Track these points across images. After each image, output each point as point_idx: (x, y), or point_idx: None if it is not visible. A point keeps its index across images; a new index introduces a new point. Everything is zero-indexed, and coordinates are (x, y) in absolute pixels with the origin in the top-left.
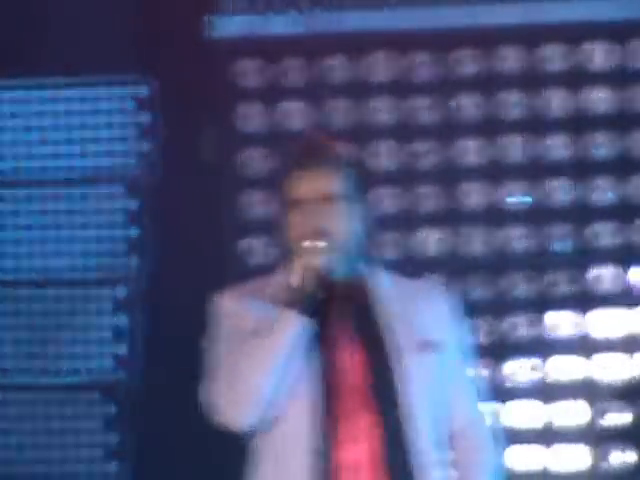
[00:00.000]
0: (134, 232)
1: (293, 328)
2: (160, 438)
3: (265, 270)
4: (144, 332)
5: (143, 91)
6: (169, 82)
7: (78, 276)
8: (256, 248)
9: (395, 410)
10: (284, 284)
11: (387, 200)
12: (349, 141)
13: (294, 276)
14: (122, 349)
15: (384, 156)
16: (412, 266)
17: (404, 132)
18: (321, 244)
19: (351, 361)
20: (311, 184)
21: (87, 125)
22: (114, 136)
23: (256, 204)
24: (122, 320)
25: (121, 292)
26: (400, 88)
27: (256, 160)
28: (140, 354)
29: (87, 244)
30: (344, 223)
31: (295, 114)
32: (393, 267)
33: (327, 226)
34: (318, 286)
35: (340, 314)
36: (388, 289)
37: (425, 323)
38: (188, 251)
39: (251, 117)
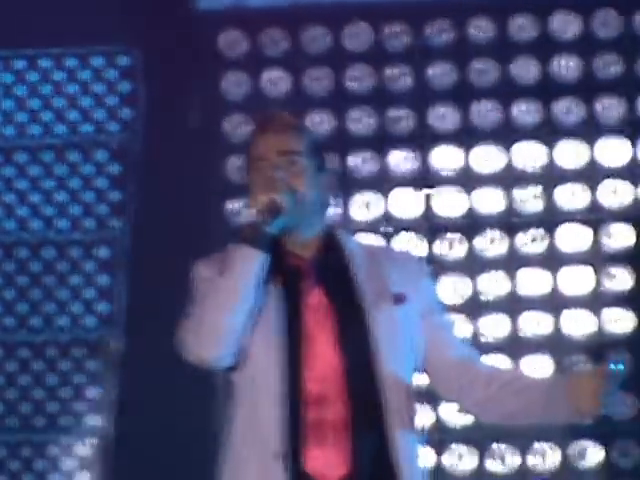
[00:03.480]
0: (116, 196)
1: (248, 262)
2: (141, 390)
3: None
4: (126, 291)
5: (125, 61)
6: (156, 52)
7: (63, 238)
8: (240, 210)
9: (361, 355)
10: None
11: (364, 163)
12: (328, 106)
13: (255, 216)
14: (105, 307)
15: (361, 122)
16: (391, 226)
17: (380, 99)
18: (282, 191)
19: (317, 308)
20: (272, 142)
21: (68, 93)
22: (97, 104)
23: (240, 168)
24: (105, 280)
25: (104, 253)
26: (376, 57)
27: (240, 126)
28: (123, 312)
29: (73, 208)
30: (304, 178)
31: (277, 82)
32: (370, 228)
33: (288, 179)
34: (273, 223)
35: (305, 264)
36: (354, 246)
37: (391, 278)
38: (172, 213)
39: (235, 85)
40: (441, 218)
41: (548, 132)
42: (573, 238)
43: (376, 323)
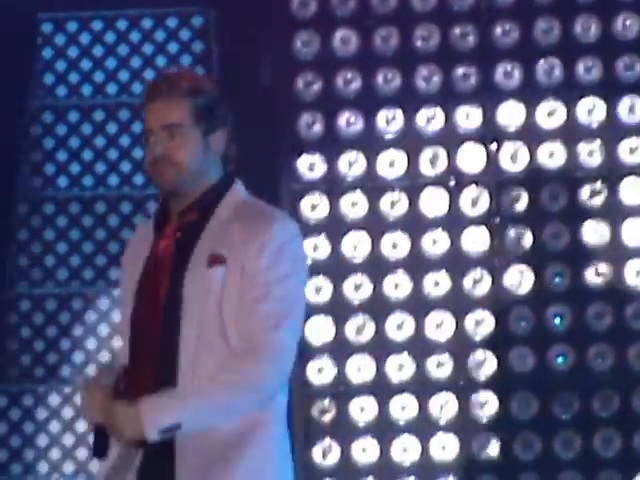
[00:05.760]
0: None
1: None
2: None
3: (319, 184)
4: None
5: (199, 21)
6: (229, 12)
7: (117, 192)
8: (310, 165)
9: (171, 313)
10: None
11: (431, 120)
12: (396, 64)
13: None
14: None
15: (428, 79)
16: (456, 180)
17: (447, 57)
18: (164, 170)
19: (163, 260)
20: (155, 115)
21: (144, 53)
22: (172, 64)
23: (310, 124)
24: None
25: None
26: (443, 16)
27: (311, 84)
28: None
29: (132, 162)
30: (186, 149)
31: (347, 41)
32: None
33: (168, 152)
34: (163, 204)
35: (172, 228)
36: (225, 209)
37: (228, 241)
38: (243, 170)
39: (307, 44)
40: (505, 172)
41: (610, 88)
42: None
43: (187, 282)
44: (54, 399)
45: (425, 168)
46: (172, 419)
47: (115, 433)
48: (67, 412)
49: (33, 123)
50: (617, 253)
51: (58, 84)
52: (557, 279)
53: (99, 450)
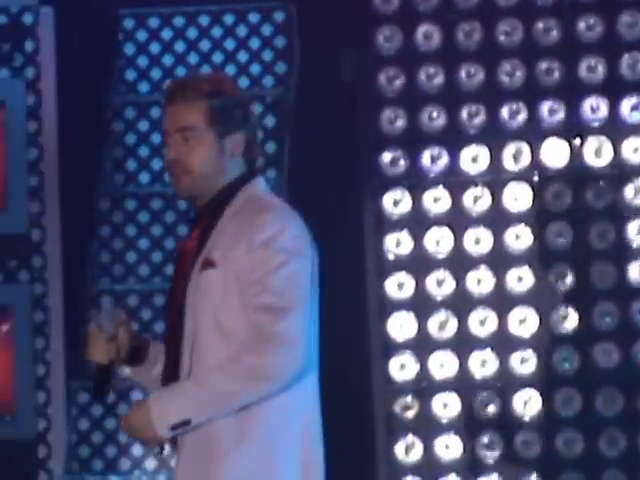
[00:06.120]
0: (272, 147)
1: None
2: None
3: (401, 179)
4: None
5: (281, 16)
6: (311, 7)
7: None
8: (393, 160)
9: (179, 316)
10: None
11: (515, 114)
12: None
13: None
14: None
15: (512, 74)
16: (539, 175)
17: (530, 52)
18: (181, 179)
19: (181, 267)
20: (171, 117)
21: (226, 49)
22: (254, 59)
23: (392, 120)
24: None
25: None
26: (526, 11)
27: (394, 79)
28: None
29: None
30: (199, 153)
31: (430, 36)
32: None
33: (181, 156)
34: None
35: (195, 231)
36: (234, 208)
37: (221, 242)
38: (325, 165)
39: (389, 39)
40: (588, 168)
41: None
42: None
43: (188, 286)
44: (136, 395)
45: (508, 163)
46: (179, 415)
47: (134, 436)
48: None
49: (115, 119)
50: None
51: (140, 80)
52: None
53: (98, 391)
